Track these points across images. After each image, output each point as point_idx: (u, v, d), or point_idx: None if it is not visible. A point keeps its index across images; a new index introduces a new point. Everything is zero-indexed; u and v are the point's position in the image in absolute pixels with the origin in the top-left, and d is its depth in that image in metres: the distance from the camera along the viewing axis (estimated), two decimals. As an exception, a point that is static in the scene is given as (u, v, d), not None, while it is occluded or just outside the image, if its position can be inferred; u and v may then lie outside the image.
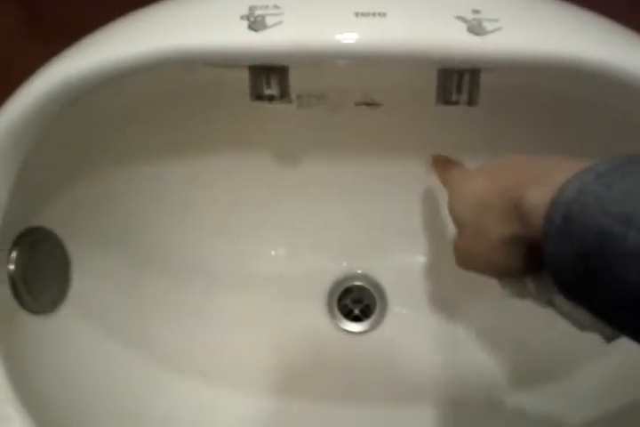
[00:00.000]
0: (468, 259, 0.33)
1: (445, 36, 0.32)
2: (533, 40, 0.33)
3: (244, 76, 0.38)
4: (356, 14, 0.33)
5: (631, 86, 0.33)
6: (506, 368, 0.48)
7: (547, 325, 0.40)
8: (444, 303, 0.52)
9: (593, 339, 0.29)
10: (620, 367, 0.44)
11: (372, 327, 0.53)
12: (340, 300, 0.54)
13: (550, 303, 0.31)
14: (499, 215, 0.28)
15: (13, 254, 0.38)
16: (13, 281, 0.38)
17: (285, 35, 0.32)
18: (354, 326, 0.53)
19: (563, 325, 0.30)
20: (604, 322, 0.24)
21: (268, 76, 0.37)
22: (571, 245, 0.22)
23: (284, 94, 0.38)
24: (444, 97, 0.38)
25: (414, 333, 0.52)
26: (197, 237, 0.52)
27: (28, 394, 0.33)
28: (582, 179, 0.23)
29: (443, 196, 0.46)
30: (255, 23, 0.33)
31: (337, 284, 0.54)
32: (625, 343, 0.25)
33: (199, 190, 0.51)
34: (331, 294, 0.54)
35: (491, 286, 0.34)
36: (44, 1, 0.52)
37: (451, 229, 0.46)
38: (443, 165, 0.40)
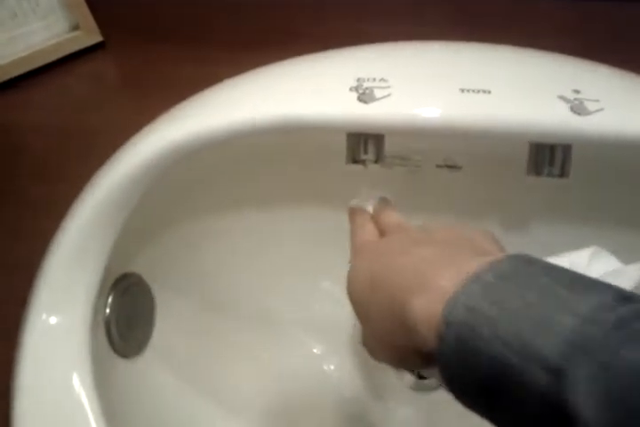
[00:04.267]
0: (373, 354, 0.31)
1: (550, 116, 0.33)
2: (634, 122, 0.34)
3: (337, 140, 0.40)
4: (462, 90, 0.34)
5: None
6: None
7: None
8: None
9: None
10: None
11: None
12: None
13: None
14: (388, 318, 0.26)
15: (110, 299, 0.40)
16: (108, 325, 0.39)
17: (394, 108, 0.34)
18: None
19: None
20: None
21: (366, 143, 0.38)
22: (468, 370, 0.21)
23: (378, 159, 0.39)
24: (536, 169, 0.38)
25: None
26: (266, 286, 0.53)
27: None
28: (469, 292, 0.22)
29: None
30: (365, 95, 0.35)
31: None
32: None
33: (271, 242, 0.52)
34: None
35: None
36: (141, 59, 0.56)
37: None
38: (361, 221, 0.36)
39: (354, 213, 0.37)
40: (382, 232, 0.34)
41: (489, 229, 0.30)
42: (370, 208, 0.38)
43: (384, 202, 0.38)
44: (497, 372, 0.20)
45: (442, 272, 0.24)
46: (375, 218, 0.36)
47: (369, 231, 0.35)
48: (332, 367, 0.53)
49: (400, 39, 0.44)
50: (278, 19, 0.55)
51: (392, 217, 0.35)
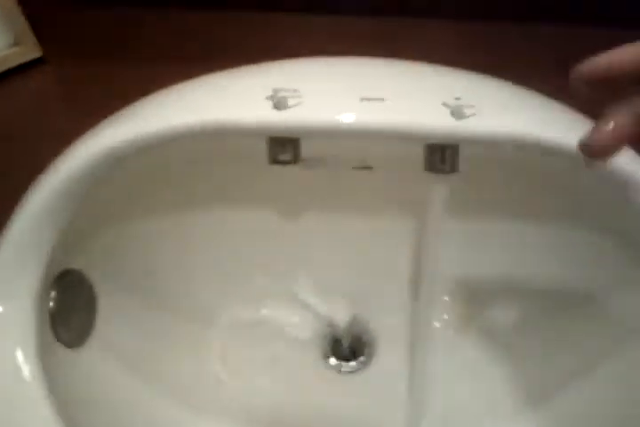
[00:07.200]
0: None
1: (432, 119, 0.40)
2: (500, 124, 0.41)
3: (260, 144, 0.45)
4: (361, 99, 0.40)
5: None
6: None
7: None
8: (433, 346, 0.57)
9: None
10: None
11: (360, 368, 0.58)
12: (333, 342, 0.59)
13: None
14: None
15: (53, 293, 0.43)
16: (53, 317, 0.43)
17: (302, 114, 0.39)
18: (343, 366, 0.58)
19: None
20: None
21: (284, 146, 0.44)
22: None
23: (295, 160, 0.45)
24: (431, 166, 0.45)
25: (402, 375, 0.57)
26: (205, 284, 0.57)
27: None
28: None
29: (429, 248, 0.53)
30: (279, 103, 0.40)
31: (330, 326, 0.59)
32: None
33: (205, 241, 0.57)
34: (323, 336, 0.59)
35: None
36: (81, 74, 0.59)
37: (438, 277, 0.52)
38: None
39: None
40: None
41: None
42: None
43: None
44: None
45: None
46: None
47: None
48: (263, 357, 0.58)
49: (317, 55, 0.50)
50: (214, 35, 0.60)
51: None
